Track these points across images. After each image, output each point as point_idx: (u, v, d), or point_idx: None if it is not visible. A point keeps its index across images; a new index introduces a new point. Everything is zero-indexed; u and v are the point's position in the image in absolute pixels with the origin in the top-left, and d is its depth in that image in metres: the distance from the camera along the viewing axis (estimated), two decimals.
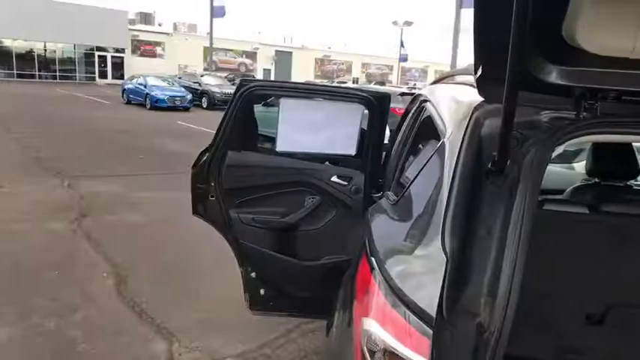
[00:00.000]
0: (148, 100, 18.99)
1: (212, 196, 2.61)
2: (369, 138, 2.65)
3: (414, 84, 30.90)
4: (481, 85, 1.19)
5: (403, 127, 2.72)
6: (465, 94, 1.55)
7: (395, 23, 35.70)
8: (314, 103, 2.56)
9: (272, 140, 2.71)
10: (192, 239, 4.81)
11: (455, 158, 1.20)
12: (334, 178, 2.64)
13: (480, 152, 1.17)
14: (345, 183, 2.65)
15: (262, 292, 2.76)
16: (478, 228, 1.08)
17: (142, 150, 9.99)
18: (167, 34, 39.43)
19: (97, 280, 3.93)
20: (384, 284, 1.19)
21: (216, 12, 24.20)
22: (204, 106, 20.47)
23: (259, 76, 37.12)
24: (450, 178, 1.16)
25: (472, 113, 1.25)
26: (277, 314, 2.95)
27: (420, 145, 1.99)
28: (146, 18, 40.92)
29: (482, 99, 1.28)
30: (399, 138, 2.75)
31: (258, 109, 2.94)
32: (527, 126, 1.18)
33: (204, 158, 2.60)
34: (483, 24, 1.00)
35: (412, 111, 2.67)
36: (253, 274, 2.74)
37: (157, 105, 18.56)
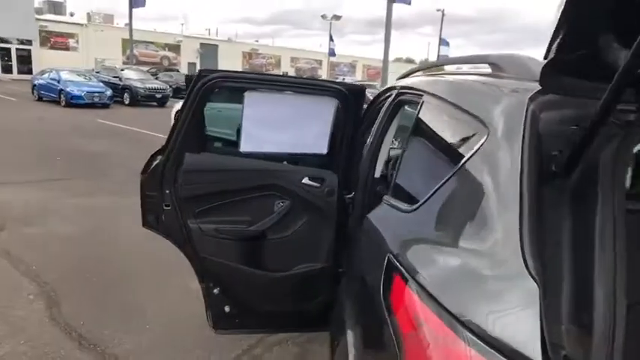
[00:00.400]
0: (62, 96, 17.48)
1: (167, 206, 2.28)
2: (342, 135, 2.43)
3: (343, 78, 31.14)
4: (547, 74, 1.02)
5: (377, 123, 2.53)
6: (492, 85, 1.38)
7: (324, 17, 35.73)
8: (282, 97, 2.31)
9: (221, 142, 2.43)
10: (131, 250, 4.36)
11: (511, 159, 1.02)
12: (305, 180, 2.41)
13: (540, 151, 1.00)
14: (318, 185, 2.43)
15: (227, 309, 2.48)
16: (558, 243, 0.90)
17: (59, 152, 9.10)
18: (80, 24, 36.64)
19: (23, 305, 3.40)
20: (461, 329, 0.95)
21: (136, 1, 22.78)
22: (127, 102, 19.23)
23: (184, 70, 35.63)
24: (513, 182, 0.98)
25: (527, 106, 1.08)
26: (245, 332, 2.68)
27: (423, 144, 1.80)
28: (55, 7, 37.85)
29: (537, 89, 1.11)
30: (372, 135, 2.56)
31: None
32: (581, 120, 1.03)
33: (156, 162, 2.26)
34: (576, 10, 0.83)
35: (387, 106, 2.49)
36: (216, 291, 2.45)
37: (74, 102, 17.15)
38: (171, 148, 2.20)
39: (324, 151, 2.46)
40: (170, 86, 21.08)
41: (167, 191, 2.26)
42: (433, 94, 1.69)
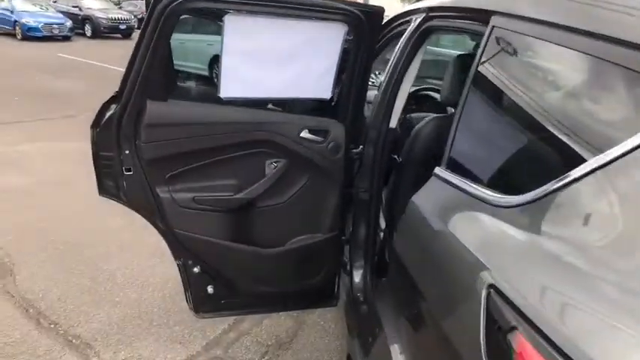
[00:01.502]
0: (18, 28, 15.96)
1: (128, 170, 1.77)
2: (351, 74, 1.91)
3: None
4: None
5: (394, 59, 2.01)
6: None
7: None
8: (274, 23, 1.74)
9: (192, 81, 1.89)
10: (100, 206, 3.83)
11: None
12: (305, 133, 1.91)
13: None
14: (320, 139, 1.93)
15: (210, 289, 2.05)
16: None
17: (16, 91, 8.23)
18: None
19: None
20: None
21: None
22: (89, 34, 17.75)
23: None
24: None
25: None
26: (231, 314, 2.27)
27: (512, 103, 1.24)
28: None
29: None
30: (387, 74, 2.04)
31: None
32: None
33: (111, 113, 1.71)
34: None
35: (408, 36, 1.95)
36: (196, 269, 2.01)
37: (31, 35, 15.69)
38: (128, 95, 1.66)
39: (328, 95, 1.94)
40: (135, 16, 19.44)
41: (126, 151, 1.74)
42: (528, 19, 1.13)
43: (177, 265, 2.03)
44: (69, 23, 16.70)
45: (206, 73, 9.20)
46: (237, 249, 1.94)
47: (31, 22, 15.86)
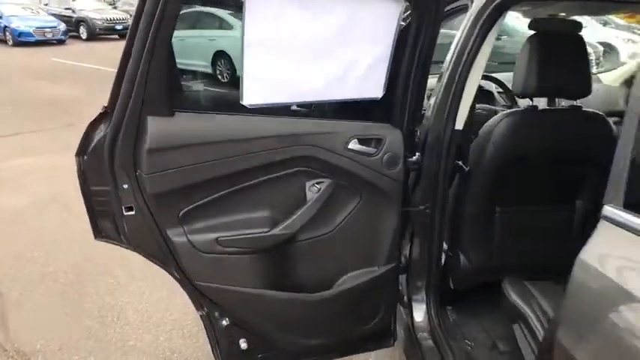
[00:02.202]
0: (8, 34, 15.49)
1: (129, 209, 1.35)
2: (411, 63, 1.47)
3: None
4: None
5: (457, 44, 1.56)
6: None
7: None
8: (310, 3, 1.30)
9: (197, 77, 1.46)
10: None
11: None
12: (354, 144, 1.47)
13: None
14: (373, 150, 1.50)
15: (244, 344, 1.63)
16: None
17: (9, 100, 7.82)
18: None
19: None
20: None
21: None
22: (84, 36, 17.25)
23: None
24: None
25: None
26: None
27: None
28: None
29: None
30: (450, 62, 1.59)
31: None
32: None
33: (100, 136, 1.29)
34: None
35: (475, 15, 1.52)
36: (225, 322, 1.59)
37: (23, 40, 15.21)
38: (122, 111, 1.23)
39: (379, 92, 1.50)
40: (131, 15, 18.97)
41: (125, 185, 1.31)
42: None
43: (201, 316, 1.62)
44: (62, 26, 16.21)
45: (209, 70, 8.75)
46: (275, 298, 1.52)
47: (21, 26, 15.37)
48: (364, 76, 1.46)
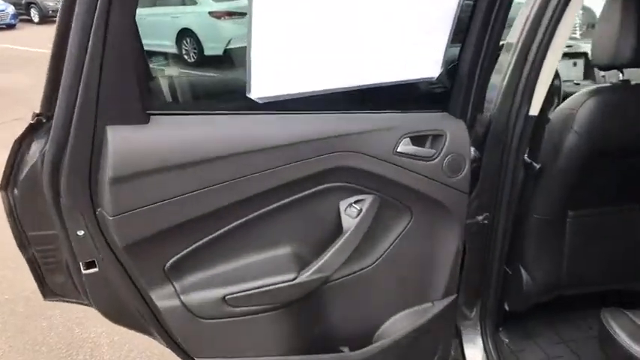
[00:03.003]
0: None
1: (90, 265, 0.90)
2: (480, 35, 1.05)
3: None
4: None
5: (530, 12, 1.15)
6: None
7: None
8: None
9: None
10: None
11: None
12: (405, 145, 1.05)
13: None
14: (430, 151, 1.08)
15: None
16: None
17: None
18: None
19: None
20: None
21: None
22: (36, 20, 16.08)
23: None
24: None
25: None
26: None
27: None
28: None
29: None
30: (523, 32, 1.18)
31: None
32: None
33: (36, 158, 0.83)
34: None
35: None
36: None
37: None
38: (64, 119, 0.77)
39: (436, 71, 1.08)
40: None
41: (79, 232, 0.86)
42: None
43: None
44: (11, 9, 15.02)
45: (174, 50, 8.10)
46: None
47: None
48: (416, 52, 1.04)
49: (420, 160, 1.08)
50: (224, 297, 0.95)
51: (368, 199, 1.08)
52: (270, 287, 0.97)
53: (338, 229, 1.07)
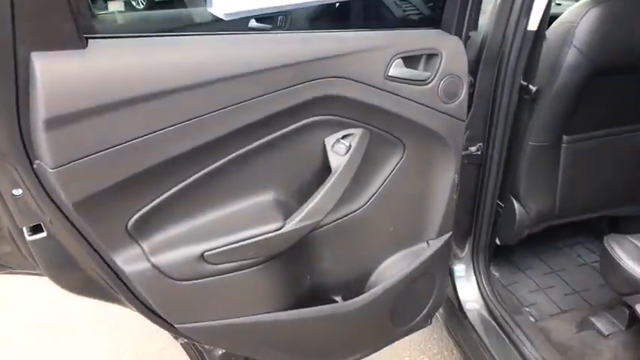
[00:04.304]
0: None
1: (35, 229, 0.75)
2: None
3: None
4: None
5: None
6: None
7: None
8: None
9: None
10: None
11: None
12: (397, 68, 0.91)
13: None
14: (425, 74, 0.95)
15: None
16: None
17: None
18: None
19: None
20: None
21: None
22: None
23: None
24: None
25: None
26: None
27: None
28: None
29: None
30: None
31: None
32: None
33: None
34: None
35: None
36: (220, 351, 1.08)
37: None
38: None
39: None
40: None
41: (15, 191, 0.70)
42: None
43: (182, 344, 1.10)
44: None
45: None
46: (295, 320, 1.00)
47: None
48: None
49: (413, 85, 0.94)
50: (202, 254, 0.82)
51: (357, 133, 0.95)
52: (254, 239, 0.85)
53: (325, 169, 0.94)
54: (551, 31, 1.22)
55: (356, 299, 1.06)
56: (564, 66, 1.20)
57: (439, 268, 1.22)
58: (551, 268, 1.68)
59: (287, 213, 0.90)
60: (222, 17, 0.74)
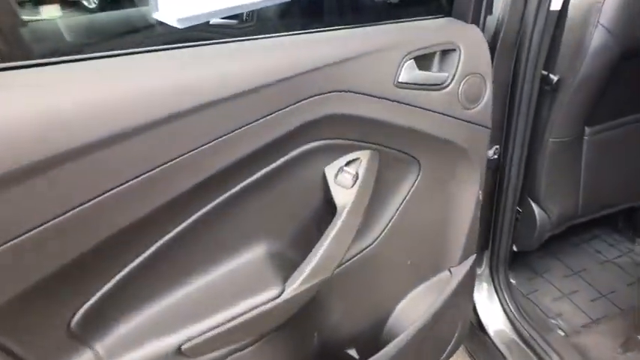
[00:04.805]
0: None
1: None
2: None
3: None
4: None
5: None
6: None
7: None
8: None
9: None
10: None
11: None
12: (409, 70, 0.71)
13: None
14: (442, 77, 0.75)
15: None
16: None
17: None
18: None
19: None
20: None
21: None
22: None
23: None
24: None
25: None
26: None
27: None
28: None
29: None
30: None
31: None
32: None
33: None
34: None
35: None
36: None
37: None
38: None
39: None
40: None
41: None
42: None
43: None
44: None
45: None
46: None
47: None
48: None
49: (428, 90, 0.75)
50: (179, 347, 0.61)
51: (363, 156, 0.75)
52: (246, 316, 0.64)
53: (328, 206, 0.74)
54: (574, 10, 1.04)
55: (379, 356, 0.87)
56: (589, 49, 1.02)
57: (464, 296, 1.04)
58: (572, 269, 1.52)
59: (284, 271, 0.70)
60: (174, 25, 0.53)
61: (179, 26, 0.54)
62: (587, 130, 1.20)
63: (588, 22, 1.02)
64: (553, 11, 0.92)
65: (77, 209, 0.48)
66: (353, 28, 0.72)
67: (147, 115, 0.50)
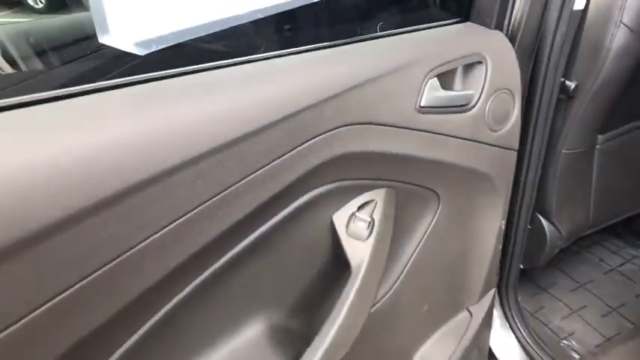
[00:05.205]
0: None
1: None
2: None
3: None
4: None
5: None
6: None
7: None
8: None
9: None
10: None
11: None
12: (432, 92, 0.57)
13: None
14: (468, 96, 0.62)
15: None
16: None
17: None
18: None
19: None
20: None
21: None
22: None
23: None
24: None
25: None
26: None
27: None
28: None
29: None
30: None
31: None
32: None
33: None
34: None
35: None
36: None
37: None
38: None
39: None
40: None
41: None
42: None
43: None
44: None
45: None
46: None
47: None
48: None
49: (452, 114, 0.61)
50: None
51: (378, 197, 0.61)
52: None
53: (339, 261, 0.59)
54: (593, 8, 0.93)
55: None
56: (612, 52, 0.91)
57: (484, 335, 0.92)
58: (577, 281, 1.43)
59: (290, 349, 0.55)
60: (132, 52, 0.37)
61: (138, 52, 0.38)
62: (599, 138, 1.10)
63: (609, 21, 0.91)
64: (576, 11, 0.80)
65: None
66: (363, 41, 0.58)
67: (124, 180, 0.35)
